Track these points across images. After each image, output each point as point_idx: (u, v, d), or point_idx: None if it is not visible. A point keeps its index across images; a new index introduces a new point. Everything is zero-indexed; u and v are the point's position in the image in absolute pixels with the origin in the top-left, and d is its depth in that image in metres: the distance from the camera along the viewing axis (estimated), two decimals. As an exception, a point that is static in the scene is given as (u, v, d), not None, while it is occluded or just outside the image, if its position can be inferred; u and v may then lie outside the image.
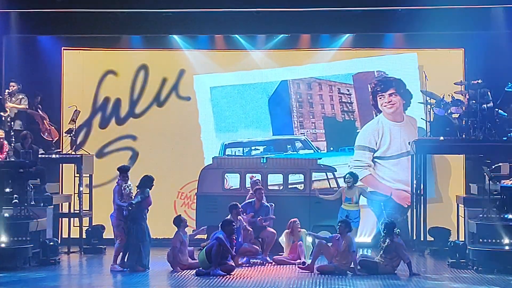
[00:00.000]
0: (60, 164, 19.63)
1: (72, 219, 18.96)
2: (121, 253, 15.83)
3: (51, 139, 19.02)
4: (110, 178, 19.56)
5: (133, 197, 15.74)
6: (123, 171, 16.13)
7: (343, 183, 17.49)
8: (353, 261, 15.19)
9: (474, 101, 18.22)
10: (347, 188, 16.80)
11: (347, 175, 17.03)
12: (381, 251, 15.28)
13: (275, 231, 16.82)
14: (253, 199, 17.05)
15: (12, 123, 18.52)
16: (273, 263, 16.44)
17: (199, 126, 20.51)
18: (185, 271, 15.49)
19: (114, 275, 15.35)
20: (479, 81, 18.34)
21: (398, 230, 15.67)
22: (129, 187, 15.92)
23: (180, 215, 16.46)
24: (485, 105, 18.17)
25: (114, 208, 15.85)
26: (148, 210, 15.79)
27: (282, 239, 16.76)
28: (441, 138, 18.18)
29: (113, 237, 16.13)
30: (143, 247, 15.54)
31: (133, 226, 15.54)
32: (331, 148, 20.41)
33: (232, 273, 15.10)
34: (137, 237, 15.48)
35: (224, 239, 15.06)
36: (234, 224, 15.60)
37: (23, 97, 18.76)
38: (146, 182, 15.82)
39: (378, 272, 15.05)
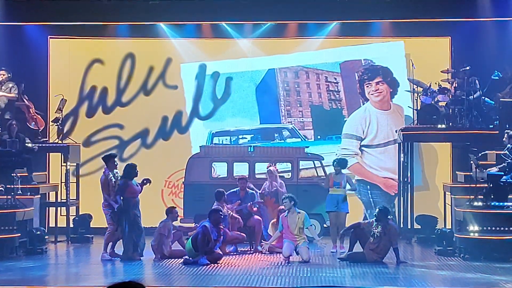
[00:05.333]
0: (47, 153, 19.53)
1: (59, 208, 18.89)
2: (111, 242, 15.78)
3: (37, 128, 18.92)
4: (97, 167, 19.49)
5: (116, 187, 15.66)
6: (107, 159, 16.04)
7: (330, 170, 17.57)
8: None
9: (460, 91, 18.26)
10: (334, 174, 16.93)
11: (334, 162, 17.17)
12: (372, 238, 15.22)
13: (260, 218, 16.82)
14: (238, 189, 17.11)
15: (0, 112, 18.42)
16: (261, 250, 16.44)
17: (186, 114, 20.45)
18: (173, 260, 15.45)
19: (104, 264, 15.32)
20: (467, 68, 18.36)
21: (391, 216, 15.69)
22: (116, 175, 15.84)
23: (175, 207, 16.37)
24: (472, 94, 18.20)
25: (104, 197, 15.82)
26: (138, 199, 15.69)
27: (270, 229, 16.74)
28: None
29: (100, 226, 16.05)
30: (132, 237, 15.49)
31: (122, 216, 15.48)
32: (319, 137, 20.40)
33: (220, 262, 15.10)
34: (124, 227, 15.44)
35: (210, 228, 15.03)
36: (221, 212, 15.56)
37: (13, 86, 18.60)
38: (129, 171, 15.72)
39: (365, 262, 15.06)
